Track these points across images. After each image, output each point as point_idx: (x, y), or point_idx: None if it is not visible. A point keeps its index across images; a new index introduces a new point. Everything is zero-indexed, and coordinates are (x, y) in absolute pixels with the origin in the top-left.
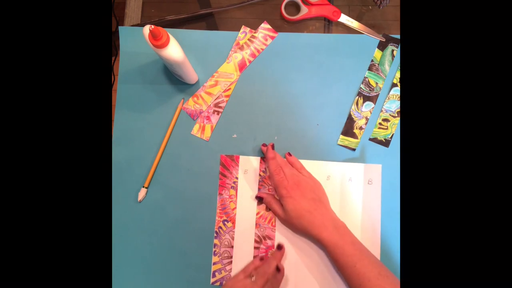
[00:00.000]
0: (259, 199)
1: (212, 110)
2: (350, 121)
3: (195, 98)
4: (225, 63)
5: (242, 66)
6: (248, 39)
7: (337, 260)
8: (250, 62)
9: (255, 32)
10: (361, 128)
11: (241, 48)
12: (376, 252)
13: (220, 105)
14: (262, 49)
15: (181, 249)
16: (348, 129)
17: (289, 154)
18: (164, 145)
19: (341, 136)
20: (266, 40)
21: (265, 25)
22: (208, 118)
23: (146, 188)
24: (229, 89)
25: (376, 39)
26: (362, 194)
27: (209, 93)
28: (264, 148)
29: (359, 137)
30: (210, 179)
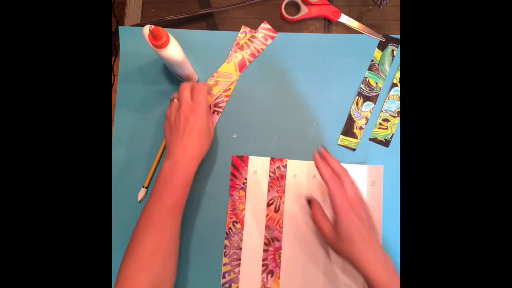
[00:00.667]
0: (308, 202)
1: (212, 110)
2: (350, 121)
3: None
4: (225, 63)
5: (242, 66)
6: (248, 39)
7: None
8: (250, 62)
9: (255, 32)
10: (361, 128)
11: (241, 48)
12: None
13: (220, 105)
14: (262, 49)
15: (182, 249)
16: (348, 129)
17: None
18: (164, 145)
19: (341, 136)
20: (266, 40)
21: (265, 25)
22: None
23: (146, 188)
24: (229, 89)
25: (376, 39)
26: (365, 196)
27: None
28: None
29: (359, 137)
30: (211, 179)
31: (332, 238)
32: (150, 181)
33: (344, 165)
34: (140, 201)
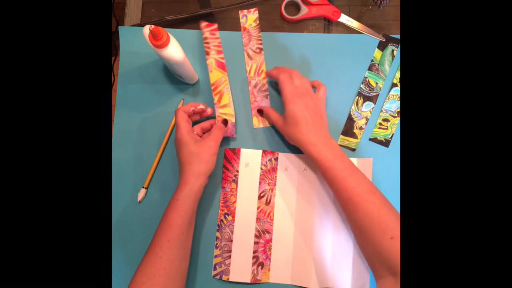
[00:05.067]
0: (260, 112)
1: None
2: (350, 121)
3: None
4: (210, 74)
5: (222, 66)
6: (204, 43)
7: (327, 174)
8: (223, 59)
9: (203, 35)
10: (361, 128)
11: (207, 53)
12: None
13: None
14: (219, 42)
15: None
16: (348, 129)
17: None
18: (164, 145)
19: (341, 136)
20: (214, 34)
21: (202, 25)
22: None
23: (145, 188)
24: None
25: (376, 39)
26: None
27: (224, 105)
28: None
29: (359, 137)
30: (212, 177)
31: (282, 123)
32: (150, 181)
33: None
34: (140, 202)
